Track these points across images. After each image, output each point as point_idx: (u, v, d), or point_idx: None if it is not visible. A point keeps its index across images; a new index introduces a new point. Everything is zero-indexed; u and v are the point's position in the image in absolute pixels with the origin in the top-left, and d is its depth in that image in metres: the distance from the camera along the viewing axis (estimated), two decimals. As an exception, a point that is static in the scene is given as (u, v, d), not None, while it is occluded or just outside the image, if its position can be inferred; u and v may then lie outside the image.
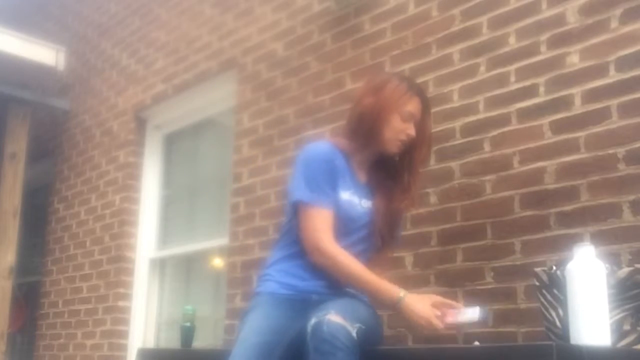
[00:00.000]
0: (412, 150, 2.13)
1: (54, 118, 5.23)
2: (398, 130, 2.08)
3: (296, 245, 2.07)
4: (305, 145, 2.20)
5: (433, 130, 2.64)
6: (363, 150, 2.14)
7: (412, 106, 2.10)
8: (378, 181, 2.16)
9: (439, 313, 1.89)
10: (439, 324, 1.87)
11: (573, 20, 2.33)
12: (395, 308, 1.92)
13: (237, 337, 1.96)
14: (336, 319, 1.73)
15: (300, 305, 1.98)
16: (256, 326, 1.94)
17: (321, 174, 2.04)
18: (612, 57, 2.20)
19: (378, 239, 2.12)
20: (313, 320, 1.76)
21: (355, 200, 2.09)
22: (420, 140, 2.12)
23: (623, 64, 2.17)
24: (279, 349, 1.89)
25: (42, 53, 4.66)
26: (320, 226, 2.00)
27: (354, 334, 1.73)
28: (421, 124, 2.13)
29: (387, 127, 2.08)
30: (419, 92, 2.16)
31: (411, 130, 2.09)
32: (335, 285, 2.03)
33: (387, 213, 2.13)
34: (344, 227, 2.05)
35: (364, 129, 2.10)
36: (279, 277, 2.08)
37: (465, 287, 2.44)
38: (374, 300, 2.02)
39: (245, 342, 1.90)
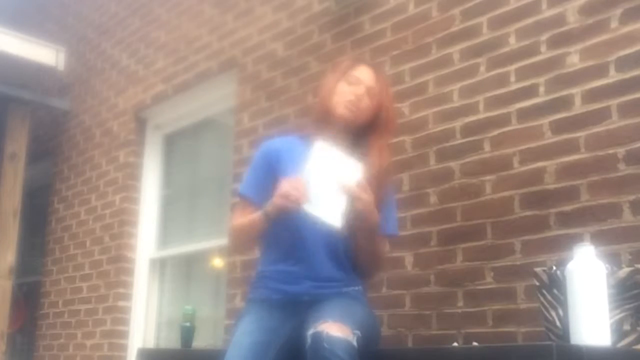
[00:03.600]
0: (373, 122, 2.11)
1: (54, 118, 5.24)
2: (345, 92, 2.09)
3: (277, 248, 2.09)
4: None
5: (433, 130, 2.66)
6: (325, 129, 2.11)
7: (359, 72, 2.12)
8: None
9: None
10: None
11: (573, 20, 2.33)
12: (269, 216, 1.96)
13: (230, 341, 1.96)
14: (334, 332, 1.70)
15: (292, 306, 1.99)
16: (249, 328, 1.95)
17: (255, 169, 2.18)
18: (612, 57, 2.20)
19: (347, 227, 2.02)
20: (311, 331, 1.74)
21: None
22: (377, 108, 2.10)
23: (623, 64, 2.17)
24: (272, 348, 1.89)
25: (42, 53, 4.66)
26: (235, 215, 2.17)
27: (354, 343, 1.72)
28: (376, 92, 2.11)
29: (336, 94, 2.10)
30: (368, 63, 2.20)
31: (360, 91, 2.08)
32: (325, 284, 2.03)
33: None
34: (301, 219, 1.97)
35: (319, 106, 2.16)
36: (267, 283, 2.09)
37: (465, 287, 2.44)
38: (262, 228, 2.02)
39: (239, 343, 1.90)
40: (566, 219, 2.21)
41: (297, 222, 1.99)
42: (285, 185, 1.89)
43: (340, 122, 2.09)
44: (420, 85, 2.75)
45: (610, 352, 1.63)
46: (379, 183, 2.07)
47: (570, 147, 2.25)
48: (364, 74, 2.12)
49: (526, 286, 2.24)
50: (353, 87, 2.09)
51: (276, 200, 1.91)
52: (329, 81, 2.16)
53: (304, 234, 2.03)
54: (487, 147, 2.49)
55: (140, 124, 4.46)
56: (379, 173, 2.07)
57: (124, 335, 4.16)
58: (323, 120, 2.12)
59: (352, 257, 2.09)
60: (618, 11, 2.21)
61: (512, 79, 2.45)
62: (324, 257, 2.03)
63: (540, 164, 2.32)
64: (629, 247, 2.05)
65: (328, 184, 1.89)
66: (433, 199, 2.62)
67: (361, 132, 2.12)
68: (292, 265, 2.04)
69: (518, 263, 2.31)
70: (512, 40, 2.49)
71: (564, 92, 2.30)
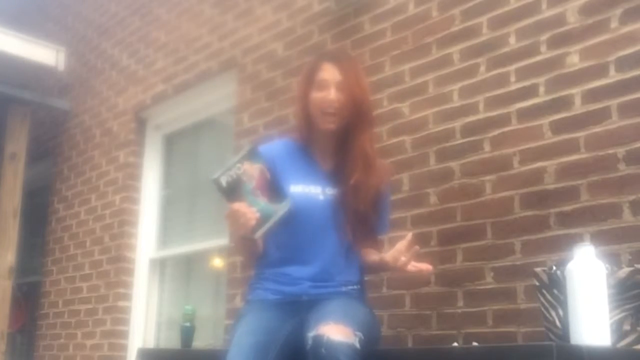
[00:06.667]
0: (352, 115, 2.08)
1: (54, 118, 5.24)
2: (318, 101, 2.06)
3: (275, 251, 2.10)
4: None
5: (433, 130, 2.66)
6: (312, 138, 2.13)
7: (323, 73, 2.08)
8: (341, 165, 2.11)
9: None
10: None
11: (573, 20, 2.33)
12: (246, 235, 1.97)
13: (230, 341, 1.97)
14: (335, 335, 1.70)
15: (291, 307, 2.00)
16: (249, 328, 1.94)
17: None
18: (612, 57, 2.20)
19: (345, 228, 2.05)
20: (312, 332, 1.74)
21: (315, 190, 2.07)
22: (351, 98, 2.06)
23: (623, 64, 2.17)
24: (273, 348, 1.89)
25: (42, 53, 4.66)
26: None
27: (356, 344, 1.72)
28: (345, 85, 2.06)
29: (311, 105, 2.08)
30: (331, 57, 2.15)
31: (331, 96, 2.05)
32: (324, 284, 2.03)
33: (351, 196, 2.05)
34: (299, 222, 2.01)
35: (299, 117, 2.16)
36: (266, 284, 2.09)
37: (465, 287, 2.44)
38: (242, 244, 2.10)
39: (240, 343, 1.90)
40: (566, 219, 2.21)
41: (295, 225, 2.01)
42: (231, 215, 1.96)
43: (327, 132, 2.10)
44: (420, 85, 2.75)
45: (610, 352, 1.63)
46: (370, 184, 2.07)
47: (570, 147, 2.25)
48: (328, 73, 2.08)
49: (526, 286, 2.24)
50: (323, 92, 2.06)
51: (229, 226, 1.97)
52: (301, 91, 2.15)
53: (302, 236, 2.04)
54: (487, 147, 2.49)
55: (140, 124, 4.46)
56: (370, 174, 2.07)
57: (124, 335, 4.16)
58: (307, 131, 2.13)
59: (354, 257, 2.10)
60: (618, 11, 2.21)
61: (512, 79, 2.45)
62: (322, 258, 2.04)
63: (540, 164, 2.32)
64: (628, 247, 2.05)
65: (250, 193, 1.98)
66: (433, 199, 2.62)
67: (345, 131, 2.10)
68: (290, 267, 2.05)
69: (518, 263, 2.31)
70: (512, 40, 2.48)
71: (564, 92, 2.30)
